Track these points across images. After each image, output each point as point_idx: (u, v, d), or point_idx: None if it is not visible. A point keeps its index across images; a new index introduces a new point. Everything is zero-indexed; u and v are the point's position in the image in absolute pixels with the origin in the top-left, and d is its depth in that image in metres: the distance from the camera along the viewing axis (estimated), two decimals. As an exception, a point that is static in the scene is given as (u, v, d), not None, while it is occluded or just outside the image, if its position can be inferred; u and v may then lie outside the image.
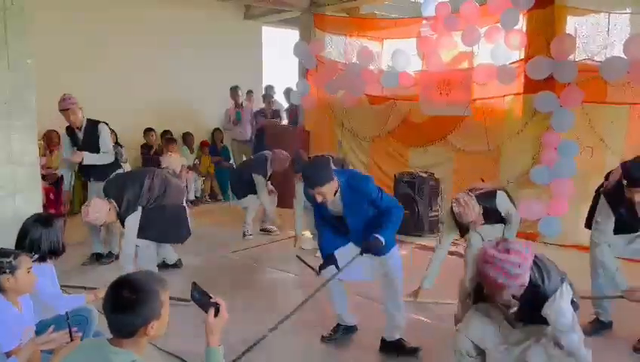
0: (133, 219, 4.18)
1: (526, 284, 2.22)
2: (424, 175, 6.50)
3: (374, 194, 3.13)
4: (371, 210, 3.16)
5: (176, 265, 4.99)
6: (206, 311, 1.80)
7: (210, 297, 1.82)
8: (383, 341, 3.37)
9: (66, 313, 2.33)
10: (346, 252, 3.24)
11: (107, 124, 5.14)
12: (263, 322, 3.75)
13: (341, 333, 3.55)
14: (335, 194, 3.09)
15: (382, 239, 3.01)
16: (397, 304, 3.34)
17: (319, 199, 3.03)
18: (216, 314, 1.80)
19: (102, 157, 4.97)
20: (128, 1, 7.90)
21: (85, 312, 2.82)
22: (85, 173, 5.22)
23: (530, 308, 2.29)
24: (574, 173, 5.36)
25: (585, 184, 4.89)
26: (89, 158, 4.88)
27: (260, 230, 6.39)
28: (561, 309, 2.24)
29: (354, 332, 3.61)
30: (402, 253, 5.70)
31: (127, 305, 1.66)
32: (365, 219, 3.15)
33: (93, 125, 4.99)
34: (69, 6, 7.41)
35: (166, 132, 8.12)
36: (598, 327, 3.57)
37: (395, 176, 6.66)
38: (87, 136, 4.96)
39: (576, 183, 5.33)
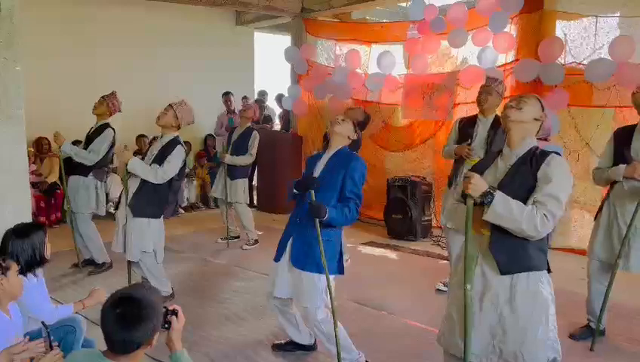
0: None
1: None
2: (416, 179, 6.52)
3: (355, 177, 2.99)
4: (337, 193, 3.00)
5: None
6: (166, 323, 1.79)
7: (165, 307, 1.81)
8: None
9: (42, 322, 2.29)
10: (278, 269, 3.14)
11: (114, 129, 5.06)
12: (249, 329, 3.80)
13: (292, 347, 3.41)
14: (340, 147, 3.11)
15: (327, 212, 2.83)
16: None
17: (336, 124, 3.10)
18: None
19: (88, 155, 4.92)
20: (119, 7, 7.90)
21: (74, 322, 2.80)
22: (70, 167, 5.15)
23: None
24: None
25: (572, 189, 4.91)
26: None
27: (223, 239, 6.18)
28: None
29: (310, 351, 3.41)
30: (394, 257, 5.87)
31: (135, 320, 1.64)
32: (327, 196, 2.96)
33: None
34: (58, 13, 7.41)
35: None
36: (587, 333, 3.59)
37: (387, 180, 6.68)
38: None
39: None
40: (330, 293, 2.94)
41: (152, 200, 4.10)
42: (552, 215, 2.10)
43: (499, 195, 2.09)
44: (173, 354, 1.82)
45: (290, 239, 3.11)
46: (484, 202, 2.09)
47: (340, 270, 3.12)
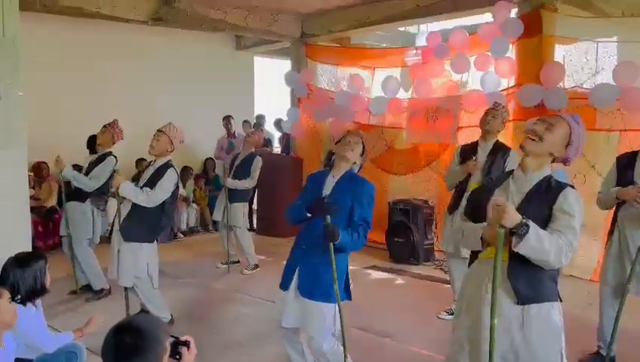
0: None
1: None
2: (418, 202, 6.48)
3: (364, 202, 2.94)
4: (345, 218, 2.93)
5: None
6: (177, 354, 1.72)
7: (177, 337, 1.75)
8: None
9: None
10: (285, 298, 3.04)
11: (116, 157, 5.06)
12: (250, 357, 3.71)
13: None
14: (348, 168, 3.06)
15: (340, 236, 2.77)
16: None
17: (348, 150, 3.02)
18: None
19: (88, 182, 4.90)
20: (119, 33, 7.94)
21: (75, 349, 2.78)
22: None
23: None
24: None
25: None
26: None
27: (223, 263, 6.08)
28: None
29: None
30: (397, 282, 5.80)
31: (133, 351, 1.56)
32: (336, 221, 2.86)
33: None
34: (58, 39, 7.45)
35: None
36: (597, 360, 3.53)
37: (389, 203, 6.64)
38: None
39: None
40: (342, 323, 2.86)
41: (145, 225, 4.05)
42: (573, 247, 2.10)
43: (533, 227, 2.04)
44: None
45: (298, 267, 3.03)
46: (516, 233, 2.03)
47: (348, 296, 3.05)
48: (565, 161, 2.30)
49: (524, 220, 2.03)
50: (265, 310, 4.47)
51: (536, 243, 2.04)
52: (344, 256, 3.01)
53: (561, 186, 2.21)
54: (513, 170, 2.37)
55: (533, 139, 2.22)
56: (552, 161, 2.30)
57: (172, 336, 1.75)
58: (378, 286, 5.61)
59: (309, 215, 2.96)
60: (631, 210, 3.34)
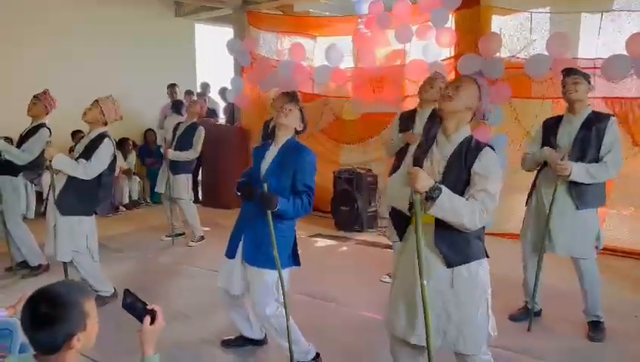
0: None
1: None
2: (362, 171, 6.59)
3: (306, 169, 2.95)
4: (288, 186, 2.94)
5: None
6: (141, 320, 1.72)
7: (146, 304, 1.74)
8: None
9: None
10: (232, 266, 3.09)
11: (49, 129, 4.80)
12: (196, 327, 3.72)
13: (242, 342, 3.39)
14: (289, 136, 3.05)
15: (279, 202, 2.80)
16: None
17: (282, 116, 3.01)
18: (152, 322, 1.72)
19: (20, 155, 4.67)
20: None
21: (9, 326, 2.66)
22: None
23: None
24: (504, 166, 5.59)
25: (513, 175, 5.11)
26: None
27: (167, 236, 6.04)
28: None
29: (261, 345, 3.41)
30: (342, 249, 5.92)
31: (46, 321, 1.52)
32: (278, 191, 2.90)
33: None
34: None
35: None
36: (525, 315, 3.76)
37: (333, 173, 6.71)
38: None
39: (506, 175, 5.55)
40: (283, 288, 2.91)
41: (81, 197, 3.93)
42: (487, 209, 2.20)
43: (445, 190, 2.14)
44: (143, 358, 1.72)
45: (243, 235, 3.06)
46: (430, 196, 2.13)
47: (297, 262, 3.10)
48: (484, 117, 2.39)
49: (436, 184, 2.13)
50: (210, 280, 4.43)
51: (449, 205, 2.14)
52: (290, 225, 3.05)
53: (479, 147, 2.29)
54: (436, 134, 2.44)
55: (448, 100, 2.31)
56: (472, 118, 2.37)
57: (141, 301, 1.73)
58: (323, 253, 5.71)
59: (238, 193, 3.01)
60: (548, 171, 3.53)
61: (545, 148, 3.54)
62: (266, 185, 2.82)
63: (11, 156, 4.63)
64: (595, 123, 3.40)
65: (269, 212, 2.82)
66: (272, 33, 7.82)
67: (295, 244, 3.11)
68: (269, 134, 3.58)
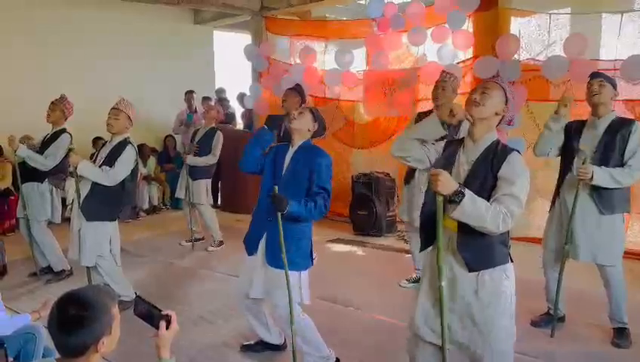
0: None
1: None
2: (380, 175, 6.57)
3: (322, 171, 2.96)
4: (304, 188, 2.96)
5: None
6: (156, 326, 1.75)
7: (159, 310, 1.77)
8: None
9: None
10: (252, 269, 3.10)
11: (70, 134, 4.90)
12: (216, 332, 3.75)
13: (261, 347, 3.40)
14: (304, 139, 3.07)
15: (290, 205, 2.80)
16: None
17: (292, 120, 3.04)
18: (167, 327, 1.75)
19: (43, 161, 4.77)
20: (72, 8, 7.64)
21: (33, 330, 2.72)
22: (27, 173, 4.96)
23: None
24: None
25: (532, 179, 5.05)
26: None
27: (187, 241, 6.08)
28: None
29: (280, 350, 3.40)
30: (360, 253, 5.90)
31: (76, 322, 1.56)
32: (294, 192, 2.91)
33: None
34: (4, 12, 7.10)
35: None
36: (547, 320, 3.71)
37: (352, 177, 6.71)
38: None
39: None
40: (288, 286, 2.88)
41: (105, 203, 4.01)
42: (513, 214, 2.16)
43: (468, 194, 2.12)
44: (160, 361, 1.76)
45: (264, 237, 3.06)
46: (453, 200, 2.11)
47: (311, 262, 3.11)
48: (510, 122, 2.38)
49: (459, 188, 2.10)
50: (230, 285, 4.48)
51: (472, 209, 2.10)
52: (307, 225, 3.06)
53: (506, 152, 2.27)
54: (463, 138, 2.43)
55: (476, 106, 2.30)
56: (500, 122, 2.36)
57: (155, 307, 1.77)
58: (342, 257, 5.71)
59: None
60: (572, 178, 3.46)
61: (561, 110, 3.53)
62: (276, 187, 2.82)
63: (35, 163, 4.73)
64: (619, 128, 3.34)
65: (279, 214, 2.82)
66: (288, 38, 7.87)
67: (311, 246, 3.13)
68: (283, 136, 3.61)
